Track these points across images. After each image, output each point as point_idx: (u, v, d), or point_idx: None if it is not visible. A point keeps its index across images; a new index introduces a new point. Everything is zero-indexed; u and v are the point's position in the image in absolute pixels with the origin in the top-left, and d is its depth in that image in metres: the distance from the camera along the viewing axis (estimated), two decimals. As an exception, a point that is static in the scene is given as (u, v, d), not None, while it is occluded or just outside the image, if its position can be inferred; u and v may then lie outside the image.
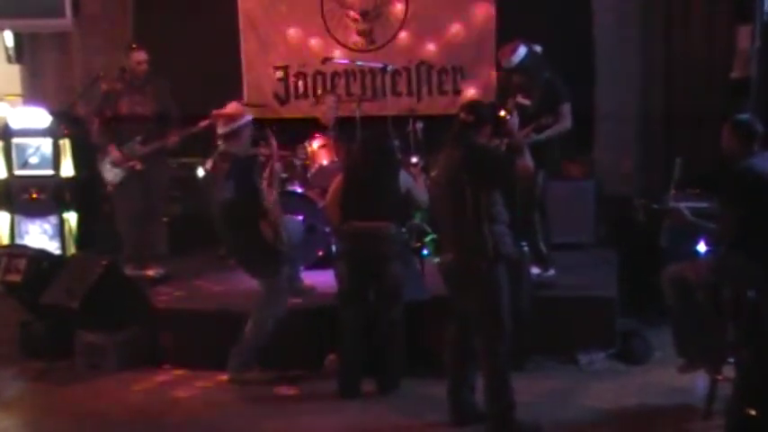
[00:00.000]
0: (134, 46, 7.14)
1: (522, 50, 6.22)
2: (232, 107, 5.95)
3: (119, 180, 7.03)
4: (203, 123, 6.74)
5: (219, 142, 5.86)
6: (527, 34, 6.44)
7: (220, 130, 5.83)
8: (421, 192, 5.79)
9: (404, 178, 5.73)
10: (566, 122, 6.25)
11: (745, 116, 5.28)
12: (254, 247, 5.76)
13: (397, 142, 5.87)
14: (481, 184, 4.80)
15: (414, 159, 7.19)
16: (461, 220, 4.81)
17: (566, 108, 6.25)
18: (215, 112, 5.94)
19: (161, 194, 7.33)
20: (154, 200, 7.21)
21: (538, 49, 6.38)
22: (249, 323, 5.81)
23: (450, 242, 4.96)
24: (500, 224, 4.85)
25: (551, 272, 6.45)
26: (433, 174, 5.20)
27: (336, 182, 5.82)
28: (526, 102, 6.18)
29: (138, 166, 6.98)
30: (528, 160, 5.01)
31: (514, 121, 5.06)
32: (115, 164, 6.99)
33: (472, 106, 5.07)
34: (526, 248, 5.91)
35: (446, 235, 5.04)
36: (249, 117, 5.94)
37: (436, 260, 5.45)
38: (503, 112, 5.05)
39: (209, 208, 5.92)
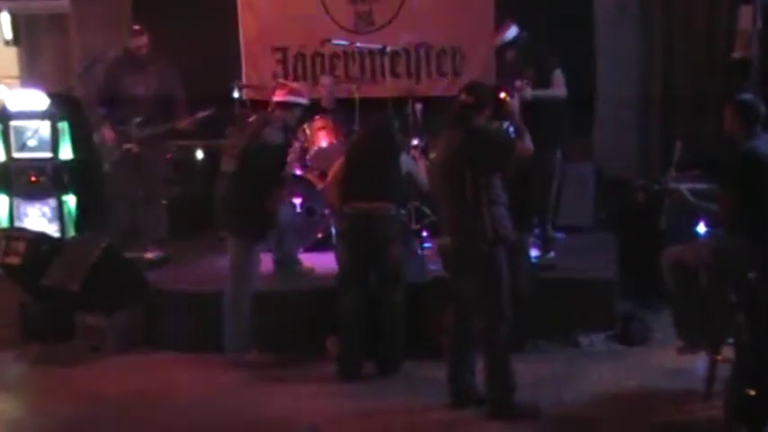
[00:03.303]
0: (136, 28, 7.09)
1: (513, 29, 6.44)
2: (300, 84, 5.99)
3: (114, 160, 6.99)
4: (210, 111, 6.74)
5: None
6: (526, 16, 6.43)
7: (277, 97, 5.92)
8: (421, 174, 5.78)
9: (404, 160, 5.71)
10: (559, 90, 6.29)
11: (748, 97, 5.25)
12: (256, 202, 5.73)
13: (397, 124, 5.87)
14: (481, 166, 4.78)
15: (414, 141, 7.17)
16: (461, 203, 4.80)
17: (557, 75, 6.33)
18: (281, 81, 5.97)
19: (159, 177, 7.30)
20: (152, 183, 7.17)
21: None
22: (225, 307, 5.81)
23: (450, 225, 4.95)
24: (499, 206, 4.83)
25: (551, 254, 6.45)
26: (432, 156, 5.17)
27: (338, 163, 5.81)
28: (527, 88, 6.15)
29: (135, 149, 6.94)
30: (527, 143, 4.99)
31: (515, 103, 5.04)
32: (107, 143, 6.93)
33: (472, 87, 5.03)
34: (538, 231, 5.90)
35: (445, 218, 5.02)
36: (306, 101, 6.07)
37: (436, 242, 5.44)
38: (503, 94, 5.03)
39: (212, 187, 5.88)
